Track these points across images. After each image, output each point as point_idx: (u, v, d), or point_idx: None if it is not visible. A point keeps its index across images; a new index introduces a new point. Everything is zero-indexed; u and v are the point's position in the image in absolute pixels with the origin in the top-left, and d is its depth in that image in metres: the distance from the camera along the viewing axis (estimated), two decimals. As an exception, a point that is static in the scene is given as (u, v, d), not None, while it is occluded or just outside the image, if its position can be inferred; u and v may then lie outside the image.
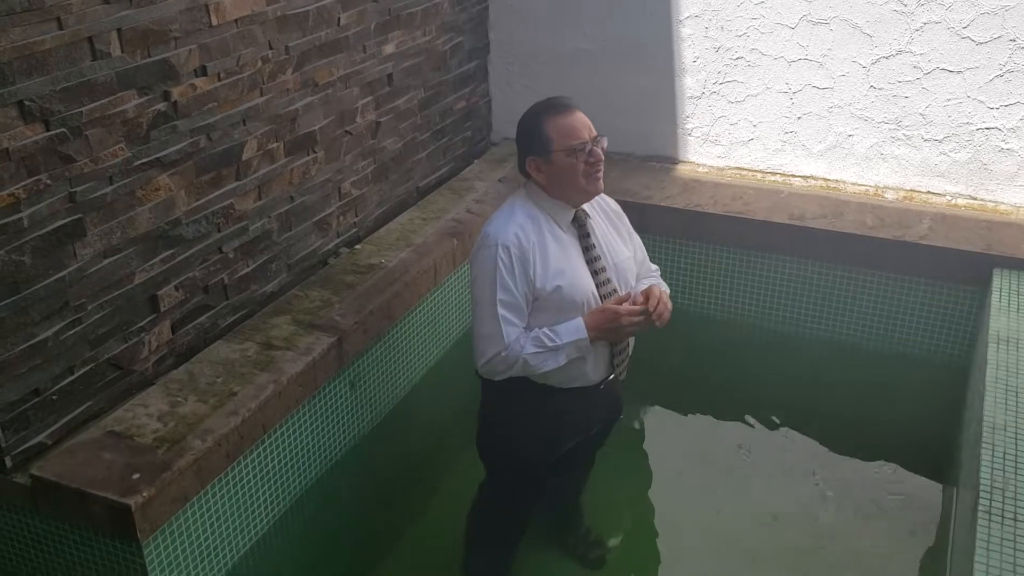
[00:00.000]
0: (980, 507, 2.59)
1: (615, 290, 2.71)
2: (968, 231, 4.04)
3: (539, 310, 2.63)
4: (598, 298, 2.66)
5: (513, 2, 4.90)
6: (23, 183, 2.57)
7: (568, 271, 2.63)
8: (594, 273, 2.68)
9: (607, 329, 2.62)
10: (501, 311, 2.57)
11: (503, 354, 2.58)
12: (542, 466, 2.86)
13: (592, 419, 2.89)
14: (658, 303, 2.65)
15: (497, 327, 2.57)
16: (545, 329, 2.60)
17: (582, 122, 2.59)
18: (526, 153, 2.66)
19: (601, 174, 2.62)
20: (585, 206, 2.73)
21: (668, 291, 2.82)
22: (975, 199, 4.33)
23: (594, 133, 2.60)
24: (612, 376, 2.78)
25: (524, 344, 2.57)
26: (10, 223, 2.55)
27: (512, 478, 2.91)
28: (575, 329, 2.59)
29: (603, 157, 2.60)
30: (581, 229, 2.70)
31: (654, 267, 2.97)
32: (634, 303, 2.65)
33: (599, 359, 2.71)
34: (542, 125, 2.59)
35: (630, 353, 2.84)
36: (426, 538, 3.38)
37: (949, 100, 4.22)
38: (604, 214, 2.83)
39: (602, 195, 2.79)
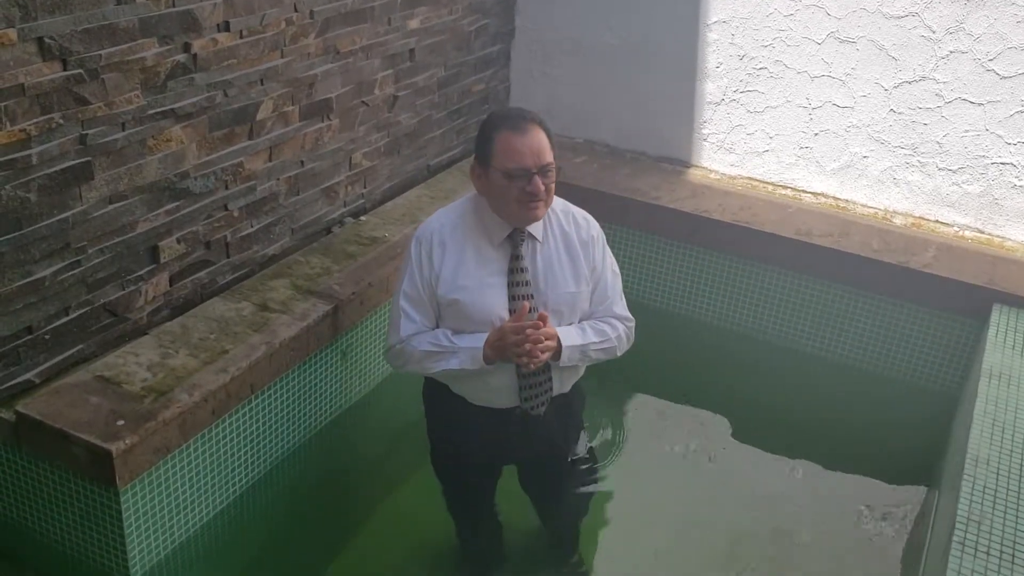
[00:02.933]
0: (955, 538, 2.59)
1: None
2: (972, 264, 4.04)
3: (444, 316, 2.57)
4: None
5: (542, -11, 4.89)
6: (35, 120, 2.57)
7: (472, 287, 2.49)
8: (512, 297, 2.52)
9: (495, 345, 2.45)
10: (402, 303, 2.57)
11: (397, 347, 2.59)
12: (461, 477, 2.87)
13: (510, 447, 2.73)
14: (534, 335, 2.38)
15: (397, 318, 2.58)
16: (447, 331, 2.55)
17: (532, 147, 2.38)
18: (474, 155, 2.55)
19: (537, 205, 2.42)
20: (538, 228, 2.54)
21: (585, 343, 2.56)
22: (983, 232, 4.32)
23: (542, 161, 2.38)
24: (521, 408, 2.61)
25: (421, 341, 2.54)
26: (19, 158, 2.55)
27: (444, 480, 2.93)
28: (474, 338, 2.49)
29: (542, 189, 2.38)
30: (514, 249, 2.53)
31: (619, 317, 2.66)
32: (536, 325, 2.43)
33: (503, 383, 2.55)
34: (493, 135, 2.43)
35: (550, 393, 2.62)
36: (403, 512, 3.39)
37: (967, 131, 4.21)
38: (564, 240, 2.59)
39: (581, 217, 2.61)
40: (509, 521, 3.12)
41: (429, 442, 2.92)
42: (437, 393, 2.72)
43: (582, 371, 2.76)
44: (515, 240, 2.52)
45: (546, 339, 2.42)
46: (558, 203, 2.62)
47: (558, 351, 2.50)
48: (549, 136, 2.46)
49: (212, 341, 3.07)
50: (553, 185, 2.45)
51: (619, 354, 2.68)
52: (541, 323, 2.43)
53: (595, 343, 2.58)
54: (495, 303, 2.50)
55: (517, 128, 2.38)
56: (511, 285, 2.51)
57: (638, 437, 3.87)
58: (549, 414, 2.66)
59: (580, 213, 2.67)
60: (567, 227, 2.60)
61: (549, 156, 2.40)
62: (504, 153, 2.38)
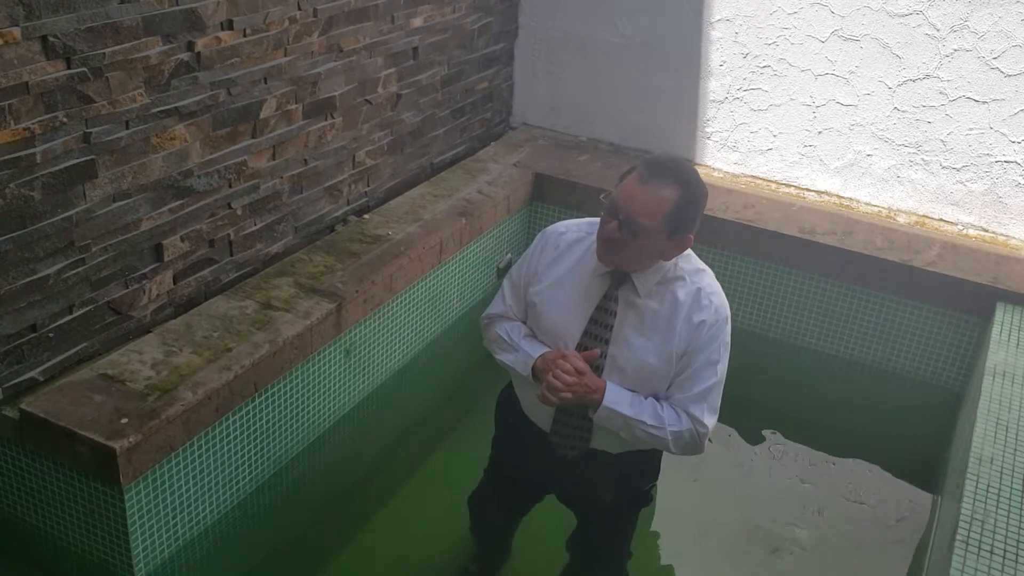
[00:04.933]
0: (958, 536, 2.59)
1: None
2: (976, 262, 4.03)
3: (528, 314, 2.48)
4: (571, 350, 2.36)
5: (546, -12, 4.89)
6: (39, 118, 2.57)
7: (557, 301, 2.38)
8: (586, 332, 2.35)
9: (543, 366, 2.34)
10: (505, 282, 2.55)
11: (484, 321, 2.59)
12: (491, 468, 2.82)
13: (543, 470, 2.60)
14: (567, 375, 2.25)
15: (497, 294, 2.57)
16: (524, 328, 2.49)
17: (636, 198, 2.19)
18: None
19: (604, 251, 2.28)
20: (645, 281, 2.31)
21: (634, 417, 2.30)
22: (986, 231, 4.31)
23: (633, 216, 2.18)
24: (549, 438, 2.49)
25: (500, 327, 2.51)
26: (23, 157, 2.55)
27: (485, 474, 2.89)
28: (535, 346, 2.40)
29: (613, 236, 2.21)
30: (609, 289, 2.34)
31: (692, 416, 2.32)
32: (589, 358, 2.30)
33: (542, 405, 2.39)
34: (627, 174, 2.26)
35: (585, 443, 2.46)
36: (407, 510, 3.39)
37: (972, 129, 4.20)
38: (670, 309, 2.31)
39: (707, 298, 2.31)
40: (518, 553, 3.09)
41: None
42: (509, 390, 2.67)
43: (645, 444, 2.43)
44: (615, 279, 2.33)
45: (568, 383, 2.27)
46: (698, 277, 2.34)
47: (596, 404, 2.31)
48: (682, 205, 2.19)
49: (215, 339, 3.07)
50: (637, 246, 2.22)
51: (674, 451, 2.36)
52: (584, 363, 2.30)
53: (646, 423, 2.30)
54: (568, 327, 2.37)
55: (645, 178, 2.20)
56: (592, 322, 2.35)
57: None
58: (587, 465, 2.50)
59: (710, 295, 2.32)
60: (683, 298, 2.31)
61: (646, 219, 2.18)
62: (620, 188, 2.24)
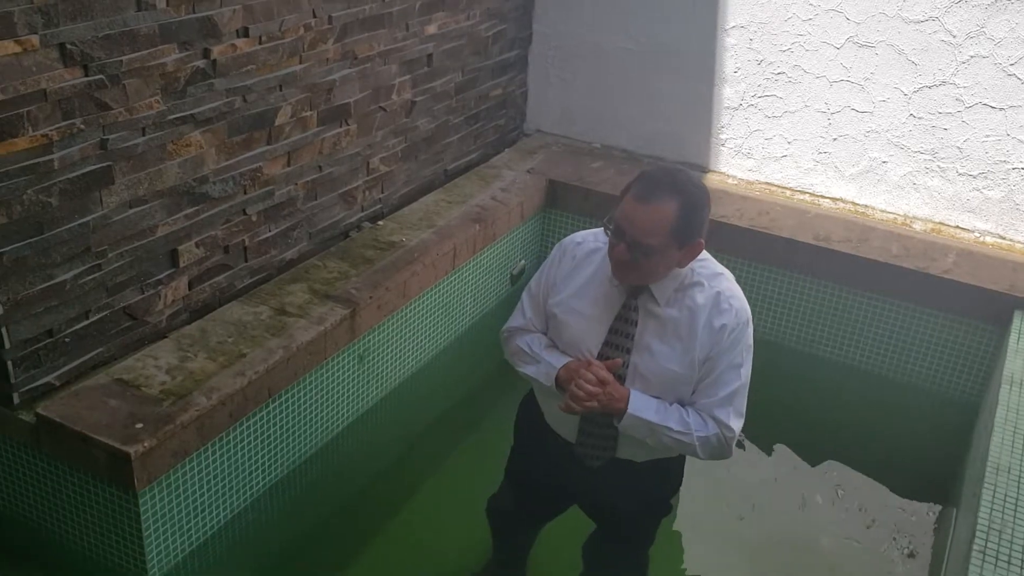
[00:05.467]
0: (975, 546, 2.57)
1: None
2: (993, 270, 4.00)
3: (548, 326, 2.48)
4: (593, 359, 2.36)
5: (560, -5, 4.90)
6: (57, 125, 2.59)
7: (577, 311, 2.38)
8: (607, 343, 2.35)
9: (566, 376, 2.34)
10: (524, 295, 2.55)
11: (504, 334, 2.59)
12: (510, 479, 2.80)
13: (568, 481, 2.61)
14: (590, 384, 2.25)
15: (516, 308, 2.57)
16: (545, 339, 2.48)
17: (639, 220, 2.17)
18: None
19: (619, 273, 2.28)
20: (663, 290, 2.31)
21: (659, 423, 2.29)
22: (1004, 238, 4.28)
23: (639, 239, 2.17)
24: (575, 448, 2.48)
25: (521, 339, 2.51)
26: (41, 163, 2.57)
27: (504, 483, 2.86)
28: (558, 356, 2.40)
29: (623, 258, 2.21)
30: (628, 298, 2.34)
31: (717, 420, 2.31)
32: (611, 367, 2.30)
33: (567, 415, 2.39)
34: (628, 190, 2.25)
35: (611, 452, 2.46)
36: (419, 516, 3.39)
37: (988, 136, 4.18)
38: (689, 315, 2.30)
39: (726, 302, 2.30)
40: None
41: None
42: (530, 399, 2.67)
43: (672, 451, 2.47)
44: (633, 288, 2.33)
45: (591, 393, 2.26)
46: (715, 281, 2.33)
47: (621, 413, 2.30)
48: (685, 216, 2.17)
49: (230, 345, 3.09)
50: (649, 264, 2.22)
51: (701, 457, 2.35)
52: (607, 372, 2.29)
53: (672, 429, 2.29)
54: (588, 337, 2.36)
55: (641, 197, 2.18)
56: (612, 331, 2.35)
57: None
58: (612, 475, 2.50)
59: (730, 299, 2.32)
60: (702, 304, 2.29)
61: (652, 238, 2.17)
62: (620, 210, 2.23)
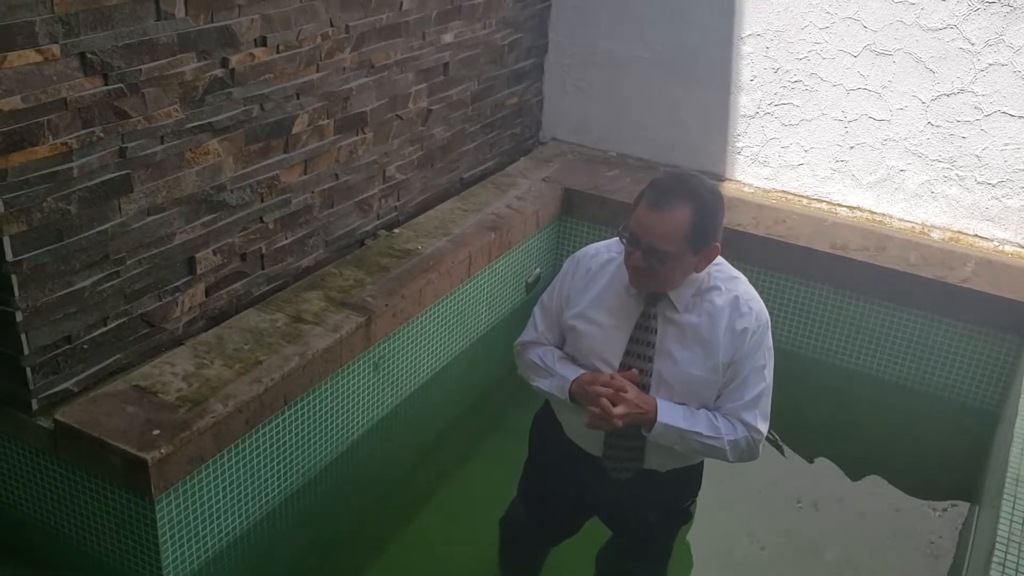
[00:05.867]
0: (994, 558, 2.54)
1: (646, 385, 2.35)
2: (1012, 279, 3.97)
3: (566, 339, 2.45)
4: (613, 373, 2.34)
5: (577, 3, 4.90)
6: (76, 133, 2.62)
7: (595, 322, 2.36)
8: (628, 352, 2.33)
9: (581, 390, 2.33)
10: (536, 308, 2.54)
11: (517, 347, 2.58)
12: (526, 495, 2.77)
13: (590, 495, 2.60)
14: (613, 395, 2.24)
15: (529, 321, 2.56)
16: (558, 353, 2.47)
17: (654, 227, 2.17)
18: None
19: (636, 281, 2.28)
20: (681, 296, 2.30)
21: (689, 429, 2.29)
22: (1023, 247, 4.25)
23: (655, 246, 2.17)
24: (602, 462, 2.47)
25: (534, 352, 2.49)
26: (60, 171, 2.60)
27: (518, 496, 2.83)
28: (571, 369, 2.39)
29: (640, 265, 2.21)
30: (646, 307, 2.32)
31: (745, 424, 2.32)
32: (629, 379, 2.28)
33: (591, 429, 2.36)
34: (641, 198, 2.24)
35: (639, 464, 2.44)
36: (433, 525, 3.39)
37: (1007, 144, 4.15)
38: (709, 319, 2.30)
39: (745, 304, 2.30)
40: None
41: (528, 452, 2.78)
42: (547, 410, 2.65)
43: (694, 458, 2.50)
44: (651, 296, 2.32)
45: (617, 411, 2.24)
46: (733, 284, 2.34)
47: (650, 423, 2.29)
48: (699, 221, 2.17)
49: (246, 352, 3.10)
50: (666, 270, 2.22)
51: (731, 460, 2.35)
52: (625, 387, 2.27)
53: (702, 435, 2.29)
54: (608, 348, 2.35)
55: (654, 205, 2.17)
56: (633, 340, 2.33)
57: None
58: (637, 485, 2.49)
59: (749, 302, 2.32)
60: (721, 307, 2.29)
61: (668, 245, 2.16)
62: (634, 218, 2.22)
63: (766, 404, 2.36)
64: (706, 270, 2.30)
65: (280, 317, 3.32)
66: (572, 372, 2.38)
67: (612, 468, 2.46)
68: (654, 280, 2.26)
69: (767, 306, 2.41)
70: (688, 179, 2.23)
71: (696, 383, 2.32)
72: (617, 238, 2.39)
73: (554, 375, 2.42)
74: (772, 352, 2.37)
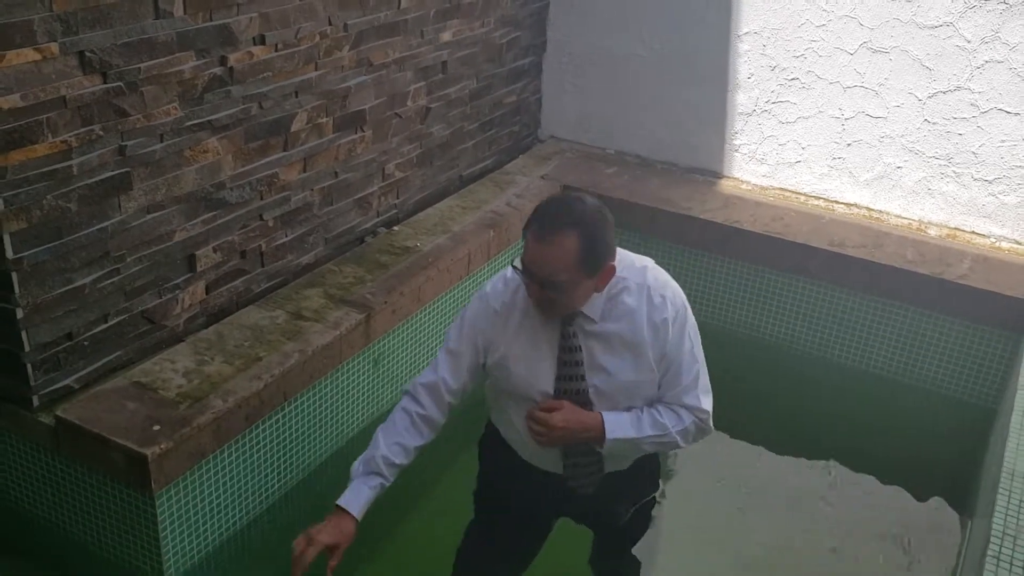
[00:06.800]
0: (989, 552, 2.55)
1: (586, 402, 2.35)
2: (1009, 275, 3.99)
3: (492, 377, 2.44)
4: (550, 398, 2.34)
5: (575, 2, 4.91)
6: (76, 132, 2.63)
7: (521, 355, 2.34)
8: (560, 377, 2.32)
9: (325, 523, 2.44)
10: (440, 352, 2.47)
11: (408, 387, 2.54)
12: (485, 527, 2.74)
13: (553, 506, 2.63)
14: (545, 417, 2.27)
15: (432, 362, 2.51)
16: (388, 449, 2.54)
17: (541, 258, 2.15)
18: None
19: (543, 312, 2.27)
20: (594, 307, 2.29)
21: (638, 437, 2.32)
22: (1020, 244, 4.26)
23: (547, 277, 2.15)
24: (565, 481, 2.48)
25: (400, 410, 2.49)
26: (60, 169, 2.61)
27: (475, 518, 2.81)
28: (361, 485, 2.53)
29: (539, 298, 2.22)
30: (563, 327, 2.30)
31: (689, 408, 2.35)
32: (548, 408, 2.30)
33: (544, 450, 2.40)
34: (527, 227, 2.20)
35: (600, 474, 2.45)
36: (435, 520, 3.40)
37: (1004, 141, 4.16)
38: (629, 322, 2.30)
39: (658, 295, 2.29)
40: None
41: (476, 481, 2.82)
42: (492, 435, 2.66)
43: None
44: (565, 316, 2.30)
45: (555, 417, 2.28)
46: (639, 276, 2.31)
47: (600, 439, 2.31)
48: (588, 246, 2.13)
49: (246, 348, 3.12)
50: (567, 297, 2.21)
51: (683, 446, 2.40)
52: (558, 406, 2.30)
53: (650, 436, 2.33)
54: (540, 378, 2.34)
55: (540, 237, 2.15)
56: (561, 364, 2.32)
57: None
58: (600, 488, 2.50)
59: (661, 290, 2.31)
60: (636, 306, 2.29)
61: (560, 275, 2.15)
62: (525, 250, 2.21)
63: (705, 381, 2.38)
64: None
65: (280, 314, 3.33)
66: (357, 490, 2.50)
67: (579, 485, 2.47)
68: (559, 308, 2.25)
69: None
70: (572, 203, 2.20)
71: (634, 387, 2.33)
72: (506, 272, 2.38)
73: (376, 447, 2.50)
74: (696, 328, 2.38)
